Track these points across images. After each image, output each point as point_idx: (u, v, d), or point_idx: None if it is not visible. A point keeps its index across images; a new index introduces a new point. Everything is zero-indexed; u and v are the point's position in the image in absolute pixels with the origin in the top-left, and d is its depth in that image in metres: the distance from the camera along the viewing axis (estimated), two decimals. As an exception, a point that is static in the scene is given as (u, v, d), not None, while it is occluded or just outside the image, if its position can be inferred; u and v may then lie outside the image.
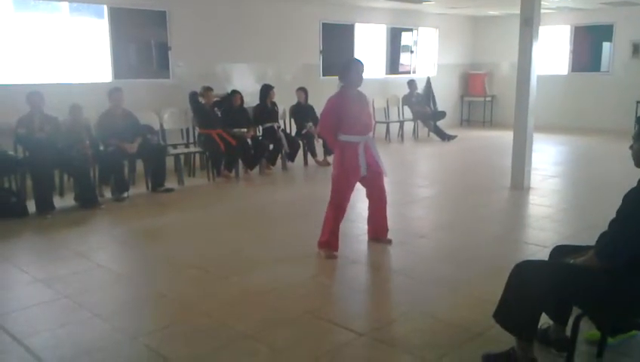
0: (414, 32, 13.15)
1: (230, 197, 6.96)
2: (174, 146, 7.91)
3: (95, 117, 6.87)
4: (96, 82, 8.07)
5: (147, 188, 6.98)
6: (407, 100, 11.77)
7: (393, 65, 12.88)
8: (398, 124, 11.58)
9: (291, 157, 8.57)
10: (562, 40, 13.01)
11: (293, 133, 8.85)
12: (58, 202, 6.19)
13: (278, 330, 3.28)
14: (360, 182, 4.63)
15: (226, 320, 3.41)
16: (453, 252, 4.69)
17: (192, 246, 4.94)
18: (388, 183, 4.97)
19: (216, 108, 7.97)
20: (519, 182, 6.91)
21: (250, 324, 3.33)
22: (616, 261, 2.51)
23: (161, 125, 7.90)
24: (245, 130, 8.01)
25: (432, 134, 11.66)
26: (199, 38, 9.10)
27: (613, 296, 2.51)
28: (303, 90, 8.88)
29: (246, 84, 9.44)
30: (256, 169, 8.13)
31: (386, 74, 12.51)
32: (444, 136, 11.32)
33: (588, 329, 2.96)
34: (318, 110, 5.11)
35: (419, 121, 11.82)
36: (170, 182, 7.14)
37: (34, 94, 6.23)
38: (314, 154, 8.77)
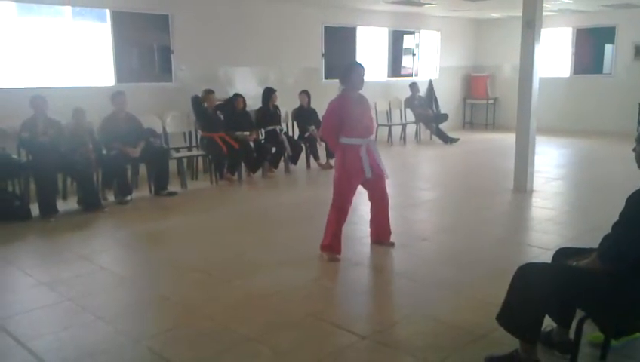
0: (416, 34, 13.16)
1: (233, 200, 6.97)
2: (177, 150, 7.93)
3: (98, 120, 6.89)
4: (99, 86, 8.10)
5: (150, 191, 6.99)
6: (409, 103, 11.77)
7: (395, 68, 12.89)
8: (401, 126, 11.58)
9: (294, 160, 8.58)
10: (564, 42, 13.01)
11: (296, 137, 8.86)
12: (61, 205, 6.21)
13: (281, 333, 3.28)
14: (362, 184, 4.64)
15: (229, 323, 3.41)
16: (456, 254, 4.69)
17: (195, 249, 4.95)
18: (390, 186, 4.97)
19: (218, 112, 7.98)
20: (522, 185, 6.91)
21: (253, 327, 3.34)
22: (620, 263, 2.51)
23: (164, 128, 7.92)
24: (248, 133, 8.03)
25: (434, 137, 11.66)
26: (202, 41, 9.12)
27: (617, 299, 2.51)
28: (305, 94, 8.90)
29: (248, 88, 9.46)
30: (259, 172, 8.14)
31: (388, 77, 12.52)
32: (447, 139, 11.31)
33: (591, 332, 2.95)
34: (321, 113, 5.12)
35: (421, 124, 11.81)
36: (173, 186, 7.15)
37: (37, 98, 6.25)
38: (316, 158, 8.78)
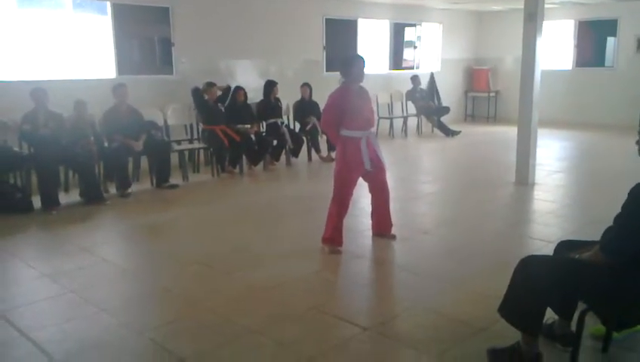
0: (418, 27, 13.12)
1: (234, 193, 6.97)
2: (178, 142, 7.93)
3: (99, 113, 6.89)
4: (99, 78, 8.09)
5: (152, 184, 7.00)
6: (410, 96, 11.74)
7: (397, 61, 12.85)
8: (402, 119, 11.56)
9: (295, 153, 8.57)
10: (566, 35, 12.96)
11: (297, 129, 8.85)
12: (63, 198, 6.22)
13: (283, 325, 3.29)
14: (362, 177, 4.64)
15: (231, 315, 3.42)
16: (457, 247, 4.69)
17: (197, 241, 4.96)
18: (392, 179, 4.97)
19: (219, 104, 7.97)
20: (524, 178, 6.90)
21: (255, 320, 3.35)
22: (622, 256, 2.51)
23: (165, 121, 7.91)
24: (249, 126, 8.02)
25: (435, 130, 11.64)
26: (202, 34, 9.10)
27: (618, 291, 2.51)
28: (307, 86, 8.88)
29: (249, 80, 9.44)
30: (260, 165, 8.14)
31: (390, 69, 12.48)
32: (448, 132, 11.30)
33: (593, 324, 2.96)
34: (322, 106, 5.11)
35: (422, 117, 11.80)
36: (175, 178, 7.16)
37: (38, 90, 6.25)
38: (318, 150, 8.78)
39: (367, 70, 4.52)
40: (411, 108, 11.81)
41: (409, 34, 13.22)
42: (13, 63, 7.57)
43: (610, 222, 2.61)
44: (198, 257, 4.50)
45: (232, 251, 4.66)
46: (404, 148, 10.33)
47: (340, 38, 11.40)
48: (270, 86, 8.48)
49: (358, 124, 4.46)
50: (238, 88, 8.23)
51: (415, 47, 13.24)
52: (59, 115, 6.38)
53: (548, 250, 3.94)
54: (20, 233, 5.31)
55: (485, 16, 13.97)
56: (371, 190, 4.78)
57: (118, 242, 5.14)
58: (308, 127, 8.69)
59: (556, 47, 12.86)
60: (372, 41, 12.08)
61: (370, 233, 4.91)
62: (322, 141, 8.70)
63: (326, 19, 10.98)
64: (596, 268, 2.56)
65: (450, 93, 13.31)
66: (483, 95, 13.88)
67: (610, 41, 12.64)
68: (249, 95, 8.42)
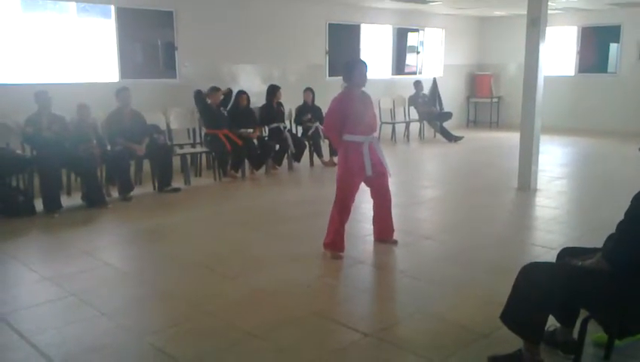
0: (420, 32, 13.14)
1: (236, 197, 6.97)
2: (181, 146, 7.93)
3: (102, 116, 6.90)
4: (103, 82, 8.11)
5: (154, 187, 7.00)
6: (413, 101, 11.75)
7: (399, 66, 12.87)
8: (404, 124, 11.57)
9: (297, 157, 8.58)
10: (569, 41, 12.96)
11: (299, 134, 8.86)
12: (65, 201, 6.22)
13: (284, 330, 3.28)
14: (364, 182, 4.63)
15: (232, 319, 3.41)
16: (459, 253, 4.68)
17: (199, 245, 4.95)
18: (394, 184, 4.97)
19: (222, 108, 7.98)
20: (526, 184, 6.89)
21: (256, 324, 3.34)
22: (625, 263, 2.50)
23: (168, 125, 7.92)
24: (251, 130, 8.03)
25: (438, 135, 11.64)
26: (206, 38, 9.12)
27: (621, 299, 2.50)
28: (310, 91, 8.89)
29: (252, 85, 9.46)
30: (263, 169, 8.14)
31: (392, 74, 12.50)
32: (451, 137, 11.29)
33: (595, 332, 2.94)
34: (325, 111, 5.12)
35: (425, 122, 11.80)
36: (177, 182, 7.16)
37: (41, 93, 6.26)
38: (320, 155, 8.78)
39: (369, 75, 4.53)
40: (414, 114, 11.81)
41: (412, 39, 13.24)
42: (17, 66, 7.60)
43: (612, 229, 2.60)
44: (200, 261, 4.49)
45: (234, 255, 4.65)
46: (407, 154, 10.32)
47: (343, 43, 11.43)
48: (273, 90, 8.49)
49: (361, 128, 4.46)
50: (241, 93, 8.25)
51: (418, 53, 13.26)
52: (62, 118, 6.39)
53: (550, 256, 3.93)
54: (21, 236, 5.31)
55: (488, 21, 13.99)
56: (373, 195, 4.77)
57: (119, 245, 5.14)
58: (310, 133, 8.67)
59: (559, 53, 12.86)
60: (375, 46, 12.11)
61: (371, 238, 4.90)
62: (324, 146, 8.70)
63: (329, 24, 11.00)
64: (598, 276, 2.55)
65: (452, 98, 13.31)
66: (485, 101, 13.88)
67: (613, 47, 12.64)
68: (252, 99, 8.43)
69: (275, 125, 8.41)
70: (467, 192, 7.03)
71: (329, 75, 10.91)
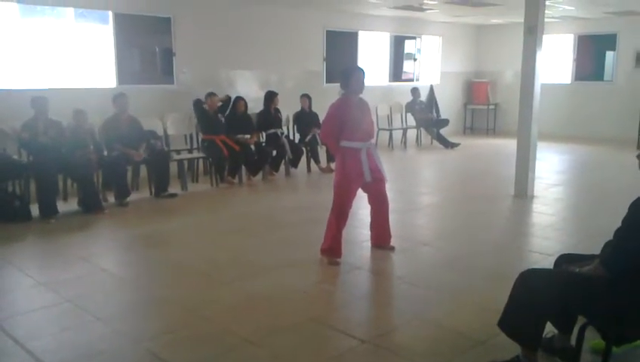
0: (418, 39, 13.18)
1: (233, 203, 6.96)
2: (178, 152, 7.93)
3: (99, 122, 6.89)
4: (100, 87, 8.11)
5: (150, 193, 6.99)
6: (410, 108, 11.78)
7: (396, 73, 12.90)
8: (402, 131, 11.59)
9: (294, 163, 8.58)
10: (566, 49, 13.03)
11: (297, 140, 8.86)
12: (62, 206, 6.20)
13: (281, 336, 3.27)
14: (362, 188, 4.64)
15: (229, 325, 3.40)
16: (456, 260, 4.67)
17: (195, 251, 4.94)
18: (391, 191, 4.97)
19: (219, 115, 7.98)
20: (523, 191, 6.90)
21: (252, 330, 3.32)
22: (622, 270, 2.50)
23: (165, 131, 7.91)
24: (249, 136, 8.03)
25: (435, 142, 11.65)
26: (204, 44, 9.13)
27: (619, 305, 2.50)
28: (307, 97, 8.91)
29: (250, 91, 9.47)
30: (260, 175, 8.14)
31: (390, 81, 12.53)
32: (448, 144, 11.31)
33: (593, 339, 2.94)
34: (322, 117, 5.12)
35: (422, 129, 11.82)
36: (174, 188, 7.14)
37: (38, 99, 6.25)
38: (317, 161, 8.78)
39: (366, 82, 4.54)
40: (411, 120, 11.84)
41: (409, 46, 13.29)
42: (14, 72, 7.58)
43: (609, 236, 2.61)
44: (196, 266, 4.48)
45: (230, 261, 4.64)
46: (404, 160, 10.33)
47: (341, 50, 11.46)
48: (270, 97, 8.50)
49: (358, 135, 4.47)
50: (239, 98, 8.25)
51: (415, 60, 13.30)
52: (58, 124, 6.38)
53: (547, 263, 3.94)
54: (17, 241, 5.29)
55: (485, 29, 14.06)
56: (371, 201, 4.78)
57: (115, 251, 5.12)
58: (308, 139, 8.68)
59: (555, 60, 12.92)
60: (372, 53, 12.14)
61: (369, 244, 4.90)
62: (322, 152, 8.71)
63: (327, 31, 11.03)
64: (596, 282, 2.54)
65: (449, 105, 13.35)
66: (482, 108, 13.92)
67: (610, 55, 12.70)
68: (249, 105, 8.44)
69: (272, 131, 8.41)
70: (464, 199, 7.04)
71: (326, 82, 10.93)
